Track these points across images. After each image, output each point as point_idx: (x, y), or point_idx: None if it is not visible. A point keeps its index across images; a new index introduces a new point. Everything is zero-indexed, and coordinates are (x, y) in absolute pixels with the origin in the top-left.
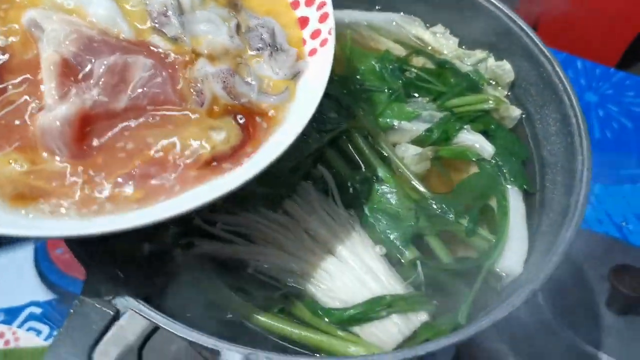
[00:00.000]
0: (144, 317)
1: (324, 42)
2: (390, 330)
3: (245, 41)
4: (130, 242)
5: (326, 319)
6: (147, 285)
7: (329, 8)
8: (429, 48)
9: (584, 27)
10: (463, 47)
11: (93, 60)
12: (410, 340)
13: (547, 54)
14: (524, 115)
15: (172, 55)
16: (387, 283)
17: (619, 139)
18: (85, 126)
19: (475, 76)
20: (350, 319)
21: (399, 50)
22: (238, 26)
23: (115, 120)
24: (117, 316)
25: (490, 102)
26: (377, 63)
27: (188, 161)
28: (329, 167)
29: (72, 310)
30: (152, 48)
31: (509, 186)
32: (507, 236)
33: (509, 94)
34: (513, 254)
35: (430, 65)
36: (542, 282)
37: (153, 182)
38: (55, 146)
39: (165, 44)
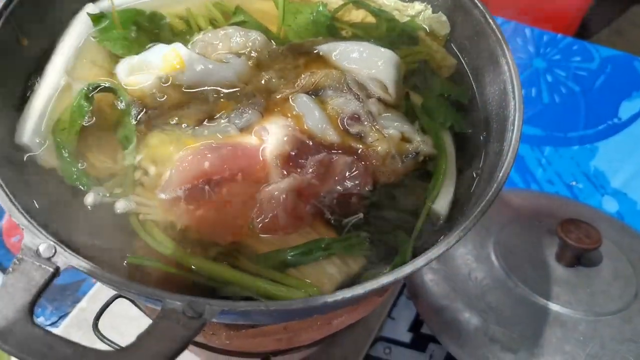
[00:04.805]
0: (84, 272)
1: None
2: (328, 271)
3: None
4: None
5: (264, 263)
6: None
7: None
8: None
9: None
10: None
11: (305, 157)
12: (350, 282)
13: (479, 5)
14: (462, 68)
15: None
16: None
17: (567, 103)
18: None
19: (411, 26)
20: (287, 261)
21: (336, 3)
22: None
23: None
24: (57, 273)
25: (422, 53)
26: (312, 19)
27: None
28: None
29: (10, 269)
30: (352, 146)
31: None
32: (446, 174)
33: (447, 47)
34: (445, 192)
35: (370, 18)
36: (474, 221)
37: None
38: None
39: (360, 145)
